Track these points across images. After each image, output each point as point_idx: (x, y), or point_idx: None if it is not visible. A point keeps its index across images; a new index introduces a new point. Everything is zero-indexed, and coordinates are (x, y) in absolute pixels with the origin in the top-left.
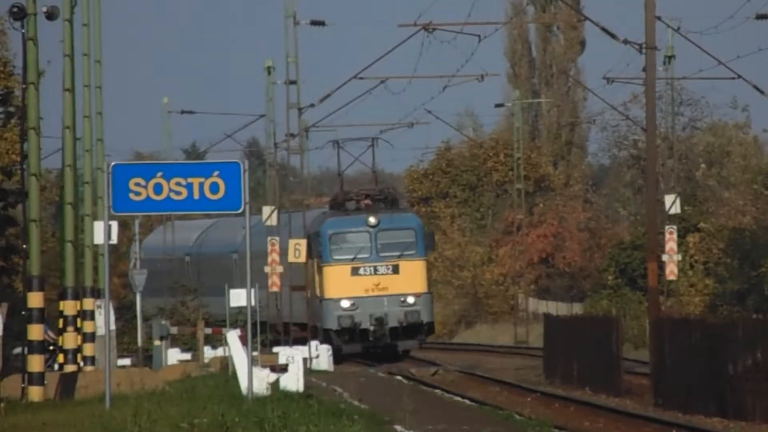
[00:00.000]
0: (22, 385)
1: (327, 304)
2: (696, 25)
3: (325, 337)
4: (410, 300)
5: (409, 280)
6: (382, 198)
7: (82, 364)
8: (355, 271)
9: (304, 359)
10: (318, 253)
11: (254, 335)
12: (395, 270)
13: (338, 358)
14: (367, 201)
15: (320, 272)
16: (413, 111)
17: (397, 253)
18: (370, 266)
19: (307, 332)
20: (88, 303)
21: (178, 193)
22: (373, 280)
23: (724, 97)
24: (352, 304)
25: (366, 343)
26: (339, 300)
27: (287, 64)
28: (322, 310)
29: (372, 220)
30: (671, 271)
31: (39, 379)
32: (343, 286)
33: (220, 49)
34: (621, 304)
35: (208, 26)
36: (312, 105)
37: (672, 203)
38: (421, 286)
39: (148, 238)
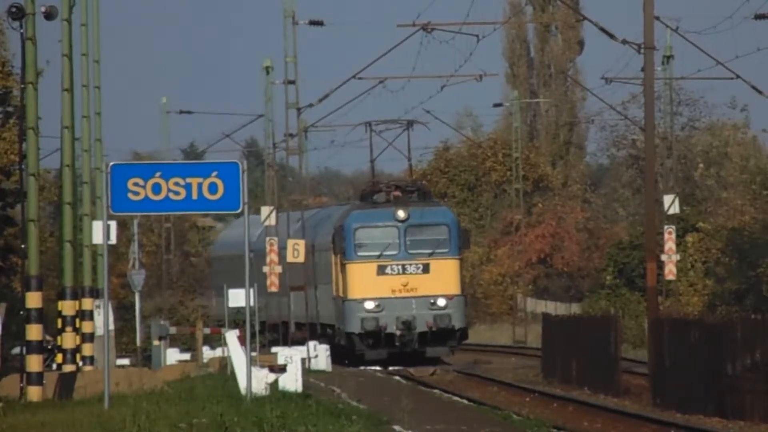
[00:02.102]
0: (21, 385)
1: (349, 305)
2: (694, 25)
3: (347, 341)
4: (441, 302)
5: (440, 281)
6: (414, 190)
7: (80, 364)
8: (381, 270)
9: (303, 359)
10: (341, 248)
11: (253, 335)
12: (425, 269)
13: (357, 362)
14: (397, 193)
15: (343, 270)
16: (412, 110)
17: (428, 251)
18: (397, 264)
19: (305, 332)
20: (87, 303)
21: (177, 193)
22: (400, 280)
23: (723, 97)
24: (377, 306)
25: (391, 349)
26: (363, 301)
27: (286, 64)
28: (344, 312)
29: (401, 214)
30: (670, 271)
31: (38, 379)
32: (368, 286)
33: (218, 49)
34: (619, 304)
35: (206, 26)
36: (311, 105)
37: (671, 203)
38: (453, 288)
39: (221, 235)
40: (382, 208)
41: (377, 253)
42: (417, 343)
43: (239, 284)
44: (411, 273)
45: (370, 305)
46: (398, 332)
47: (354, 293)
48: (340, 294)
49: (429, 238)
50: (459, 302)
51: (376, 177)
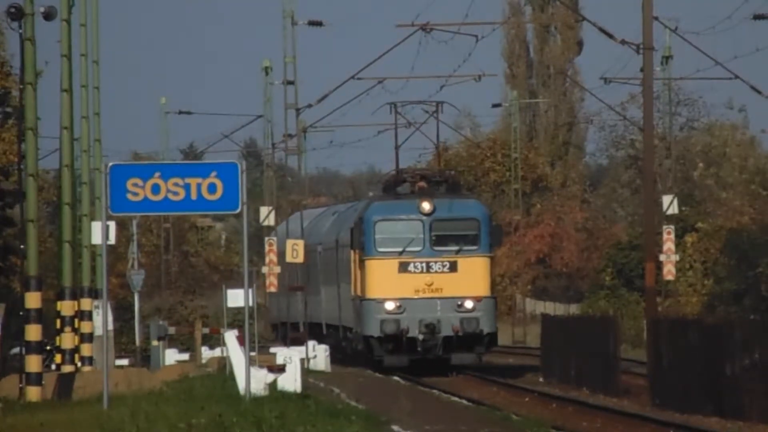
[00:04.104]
0: (20, 386)
1: (368, 306)
2: (693, 25)
3: (365, 345)
4: (468, 305)
5: (468, 281)
6: (442, 180)
7: (79, 364)
8: (403, 267)
9: (302, 359)
10: (360, 243)
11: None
12: (452, 268)
13: (369, 364)
14: (423, 183)
15: (362, 266)
16: (410, 111)
17: (456, 248)
18: (421, 262)
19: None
20: (86, 303)
21: (176, 193)
22: (424, 279)
23: (722, 98)
24: (398, 307)
25: (413, 355)
26: (383, 301)
27: (285, 64)
28: (362, 313)
29: (426, 206)
30: (669, 271)
31: (37, 379)
32: (389, 285)
33: (217, 50)
34: (618, 305)
35: (205, 26)
36: (310, 105)
37: (669, 203)
38: (482, 289)
39: (278, 229)
40: (405, 200)
41: (399, 249)
42: (441, 349)
43: (307, 279)
44: (436, 271)
45: (390, 306)
46: (421, 337)
47: (373, 292)
48: (358, 293)
49: (456, 234)
50: (488, 305)
51: (400, 167)
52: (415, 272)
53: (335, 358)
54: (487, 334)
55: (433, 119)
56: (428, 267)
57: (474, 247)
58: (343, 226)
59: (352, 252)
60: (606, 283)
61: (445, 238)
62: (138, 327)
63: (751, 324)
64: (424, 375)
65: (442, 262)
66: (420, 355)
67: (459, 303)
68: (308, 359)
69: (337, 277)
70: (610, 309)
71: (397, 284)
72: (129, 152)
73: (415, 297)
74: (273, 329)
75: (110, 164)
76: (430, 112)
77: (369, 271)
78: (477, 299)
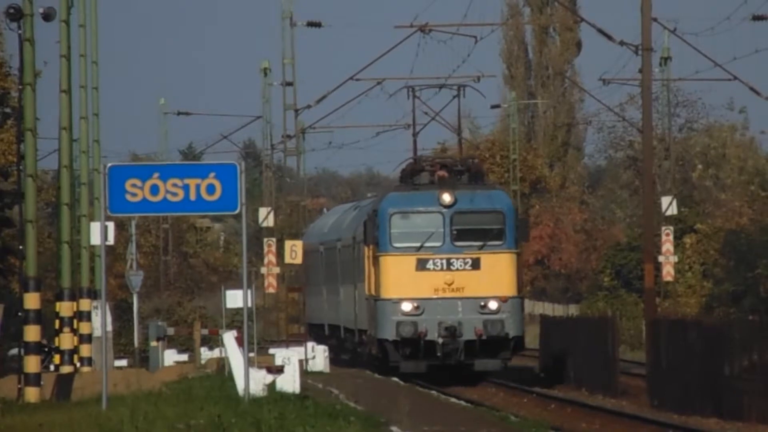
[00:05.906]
0: (19, 386)
1: (382, 306)
2: (692, 26)
3: (380, 349)
4: (493, 305)
5: (492, 280)
6: (464, 170)
7: (78, 365)
8: (421, 265)
9: (301, 360)
10: (374, 238)
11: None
12: (475, 265)
13: (387, 371)
14: (443, 173)
15: (376, 263)
16: (410, 112)
17: (479, 243)
18: (441, 259)
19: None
20: (85, 304)
21: (175, 194)
22: (444, 278)
23: (721, 99)
24: (416, 308)
25: (432, 360)
26: (399, 301)
27: (284, 65)
28: (377, 314)
29: (446, 197)
30: (668, 273)
31: (35, 380)
32: (405, 284)
33: (216, 51)
34: (617, 306)
35: (204, 27)
36: (308, 106)
37: (668, 205)
38: (508, 288)
39: (316, 224)
40: (424, 191)
41: (417, 245)
42: (463, 353)
43: (333, 279)
44: (457, 269)
45: (407, 307)
46: (440, 340)
47: (388, 292)
48: (372, 293)
49: (480, 228)
50: (514, 305)
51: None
52: (434, 270)
53: (351, 363)
54: (513, 337)
55: (436, 127)
56: (449, 264)
57: (499, 243)
58: (362, 222)
59: (365, 248)
60: (605, 284)
61: (468, 232)
62: (137, 328)
63: (749, 325)
64: (445, 384)
65: (464, 258)
66: (439, 360)
67: (482, 303)
68: (307, 360)
69: (353, 277)
70: (608, 310)
71: (414, 283)
72: (128, 153)
73: (435, 297)
74: (309, 329)
75: (109, 165)
76: (442, 100)
77: (384, 268)
78: (502, 299)
